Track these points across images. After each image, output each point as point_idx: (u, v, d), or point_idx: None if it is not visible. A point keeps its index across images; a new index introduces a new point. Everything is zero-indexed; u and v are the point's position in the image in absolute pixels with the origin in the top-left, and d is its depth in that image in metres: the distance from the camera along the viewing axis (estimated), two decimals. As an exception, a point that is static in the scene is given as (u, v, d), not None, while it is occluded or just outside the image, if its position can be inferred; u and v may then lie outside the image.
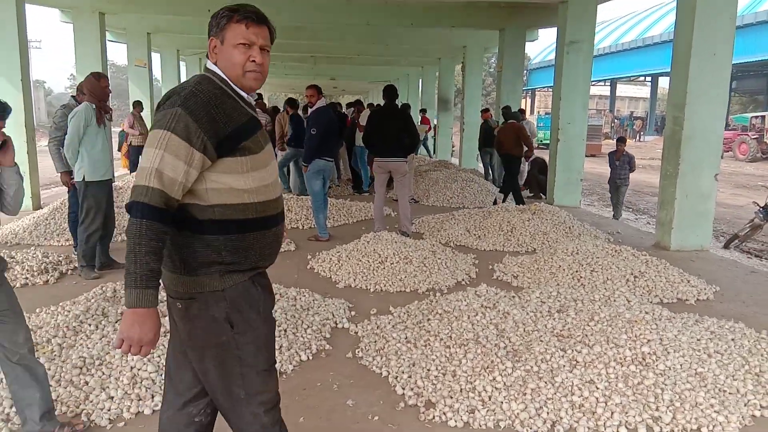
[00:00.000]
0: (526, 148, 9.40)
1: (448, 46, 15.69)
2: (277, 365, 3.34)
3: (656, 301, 4.74)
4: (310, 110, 6.94)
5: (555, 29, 11.78)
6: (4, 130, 2.46)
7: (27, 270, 5.12)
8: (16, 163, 2.54)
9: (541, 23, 11.59)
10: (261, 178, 1.78)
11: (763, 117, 24.59)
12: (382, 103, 7.17)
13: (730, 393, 3.09)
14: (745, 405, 3.02)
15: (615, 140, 10.44)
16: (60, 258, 5.55)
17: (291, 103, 10.17)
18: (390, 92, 7.03)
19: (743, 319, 4.25)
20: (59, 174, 5.59)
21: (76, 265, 5.40)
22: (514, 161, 9.44)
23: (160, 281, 1.68)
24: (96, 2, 10.70)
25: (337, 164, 11.23)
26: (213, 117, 1.68)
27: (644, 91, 54.30)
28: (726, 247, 8.55)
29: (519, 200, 9.26)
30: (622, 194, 10.04)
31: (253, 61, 1.76)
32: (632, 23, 34.92)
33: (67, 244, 6.46)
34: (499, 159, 12.34)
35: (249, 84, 1.80)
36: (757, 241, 9.18)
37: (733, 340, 3.68)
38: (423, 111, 17.97)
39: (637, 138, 35.80)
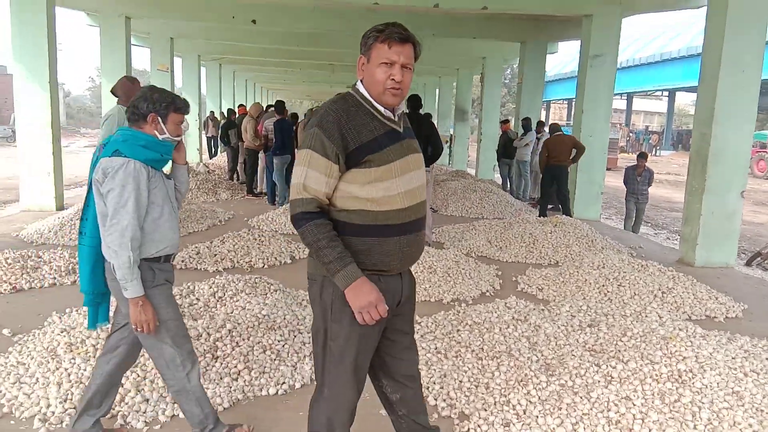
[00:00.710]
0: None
1: (467, 56, 15.74)
2: (309, 371, 3.37)
3: (684, 317, 4.69)
4: None
5: (573, 42, 11.84)
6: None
7: (55, 270, 5.16)
8: (186, 162, 2.70)
9: (563, 36, 11.59)
10: (386, 188, 1.91)
11: (782, 134, 24.38)
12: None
13: (767, 413, 3.05)
14: (784, 426, 2.98)
15: (636, 156, 10.34)
16: (87, 259, 5.58)
17: (277, 107, 9.92)
18: (414, 101, 7.05)
19: (772, 338, 4.19)
20: None
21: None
22: (565, 172, 9.38)
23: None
24: (122, 6, 10.85)
25: None
26: (343, 134, 1.88)
27: (660, 106, 54.10)
28: (748, 264, 8.46)
29: (543, 213, 9.24)
30: (642, 210, 9.96)
31: (393, 79, 1.90)
32: (651, 38, 34.81)
33: (92, 245, 6.50)
34: (518, 170, 12.34)
35: (388, 100, 1.95)
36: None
37: (767, 359, 3.63)
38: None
39: (653, 152, 35.63)
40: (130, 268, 2.28)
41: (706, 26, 6.68)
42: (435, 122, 12.47)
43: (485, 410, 3.01)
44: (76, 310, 4.15)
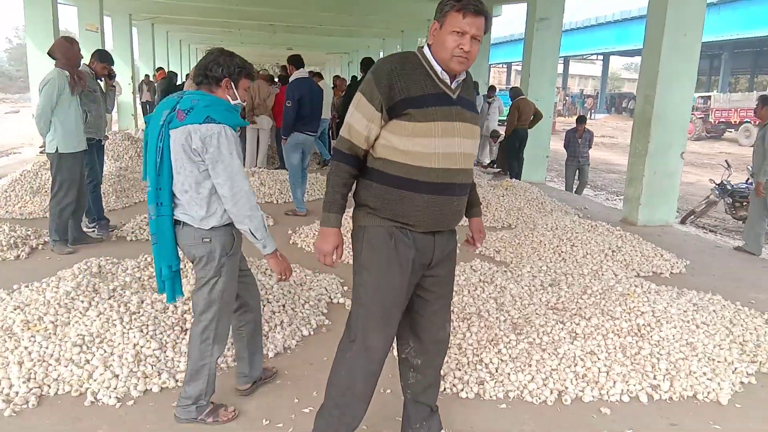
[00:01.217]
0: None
1: (412, 18, 15.57)
2: (281, 340, 3.35)
3: (633, 274, 4.92)
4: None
5: (515, 5, 11.90)
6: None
7: (-5, 244, 4.86)
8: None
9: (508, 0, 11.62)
10: (423, 145, 1.99)
11: (708, 97, 25.57)
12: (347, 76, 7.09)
13: (719, 361, 3.27)
14: (733, 372, 3.20)
15: (575, 119, 10.60)
16: (28, 232, 5.29)
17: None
18: (367, 65, 6.95)
19: (715, 291, 4.46)
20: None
21: (47, 239, 5.17)
22: (527, 136, 9.56)
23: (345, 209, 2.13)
24: (47, -40, 10.06)
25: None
26: (391, 84, 1.98)
27: (593, 69, 55.57)
28: (683, 222, 8.94)
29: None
30: (585, 172, 10.26)
31: (462, 48, 1.97)
32: (586, 2, 35.48)
33: (30, 217, 6.17)
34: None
35: (455, 67, 2.01)
36: (710, 217, 9.64)
37: (714, 311, 3.87)
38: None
39: (589, 115, 36.73)
40: (264, 226, 2.45)
41: (650, -9, 6.84)
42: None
43: (459, 370, 3.09)
44: (25, 286, 3.93)
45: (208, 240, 2.42)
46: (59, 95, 4.70)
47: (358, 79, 6.94)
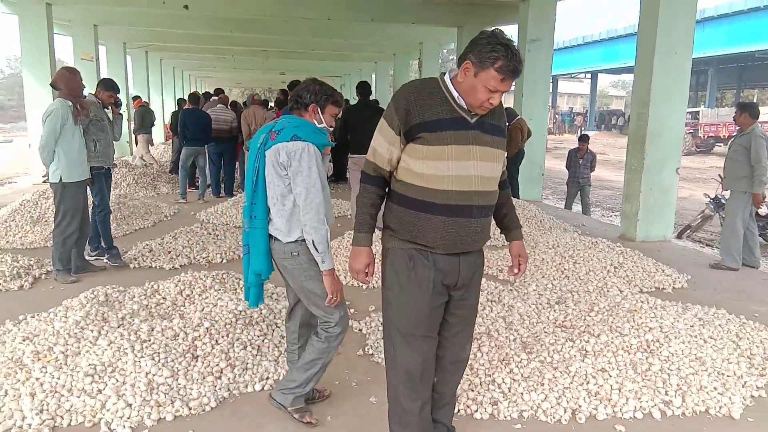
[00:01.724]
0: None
1: (404, 41, 15.77)
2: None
3: (637, 290, 4.95)
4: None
5: (507, 26, 12.11)
6: None
7: (-1, 275, 4.85)
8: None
9: (500, 21, 11.80)
10: (436, 167, 2.05)
11: (696, 113, 25.91)
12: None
13: (728, 376, 3.29)
14: (743, 386, 3.22)
15: (578, 138, 10.65)
16: (31, 262, 5.28)
17: (192, 98, 9.86)
18: (363, 89, 7.04)
19: (718, 305, 4.50)
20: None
21: (50, 269, 5.16)
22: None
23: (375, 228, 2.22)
24: (43, -8, 10.18)
25: None
26: (409, 109, 2.08)
27: (582, 87, 56.25)
28: (679, 237, 9.01)
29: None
30: (587, 194, 10.22)
31: (491, 102, 2.06)
32: (573, 22, 36.06)
33: (32, 247, 6.15)
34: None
35: (479, 112, 2.10)
36: (706, 231, 9.71)
37: (720, 325, 3.90)
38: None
39: (578, 133, 37.07)
40: (327, 242, 2.54)
41: (640, 10, 6.98)
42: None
43: (472, 390, 3.09)
44: (32, 316, 3.92)
45: (296, 253, 2.59)
46: (63, 125, 4.73)
47: (355, 103, 7.00)
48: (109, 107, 5.49)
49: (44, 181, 4.98)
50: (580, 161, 9.98)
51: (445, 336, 2.30)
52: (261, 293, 2.75)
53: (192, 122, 9.12)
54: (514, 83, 2.12)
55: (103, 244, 5.56)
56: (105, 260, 5.49)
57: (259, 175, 2.59)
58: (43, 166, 4.94)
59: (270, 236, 2.63)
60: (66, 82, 4.85)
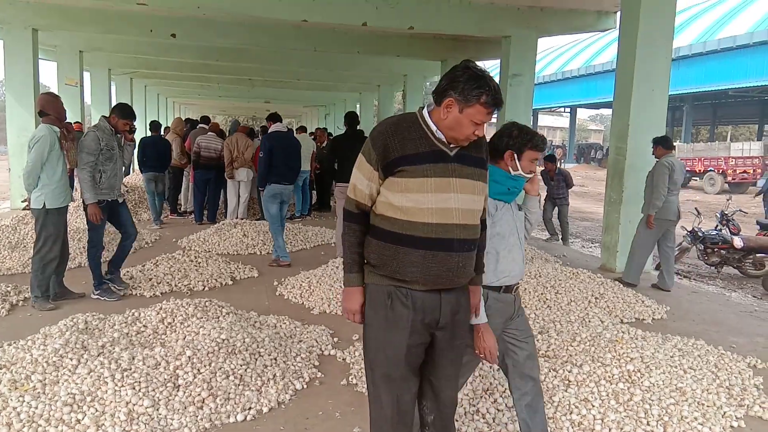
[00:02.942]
0: None
1: (388, 73, 16.00)
2: (274, 395, 3.31)
3: (617, 321, 5.01)
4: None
5: (494, 61, 12.37)
6: None
7: (-26, 302, 4.75)
8: (539, 193, 2.74)
9: (482, 56, 12.07)
10: (416, 200, 2.04)
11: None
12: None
13: (708, 406, 3.32)
14: (723, 416, 3.26)
15: (543, 158, 10.59)
16: (8, 288, 5.18)
17: (152, 126, 10.28)
18: (351, 119, 7.12)
19: (697, 336, 4.57)
20: (88, 205, 4.94)
21: (28, 295, 5.07)
22: None
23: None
24: (30, 18, 10.19)
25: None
26: (386, 144, 2.07)
27: (561, 121, 57.38)
28: (657, 269, 9.13)
29: None
30: (564, 215, 10.12)
31: (476, 134, 2.07)
32: (551, 58, 36.96)
33: (9, 273, 6.05)
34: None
35: (462, 144, 2.10)
36: (683, 263, 9.87)
37: (699, 356, 3.96)
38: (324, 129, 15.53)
39: (559, 165, 37.60)
40: None
41: (618, 48, 7.21)
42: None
43: (457, 421, 3.07)
44: (8, 344, 3.84)
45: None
46: (50, 152, 4.71)
47: (343, 133, 7.08)
48: (122, 134, 5.23)
49: (25, 207, 4.89)
50: (552, 182, 9.94)
51: (438, 377, 2.24)
52: None
53: (150, 149, 9.42)
54: (495, 114, 2.12)
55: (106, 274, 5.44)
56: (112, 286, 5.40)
57: None
58: (25, 191, 4.88)
59: None
60: (54, 107, 4.85)
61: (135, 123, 5.38)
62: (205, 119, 10.67)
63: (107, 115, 5.19)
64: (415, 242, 2.03)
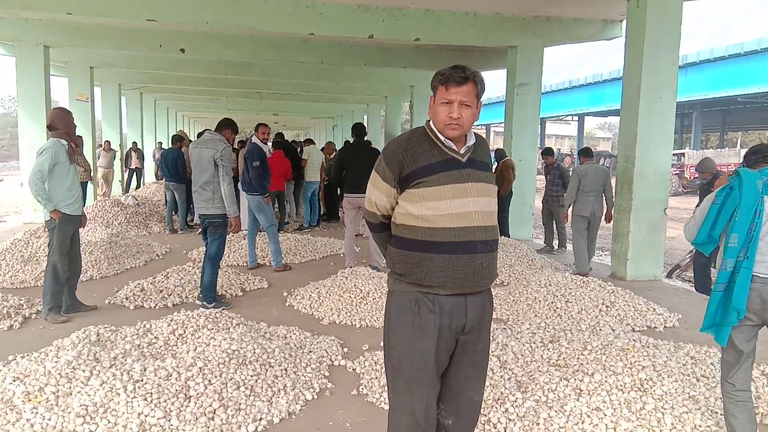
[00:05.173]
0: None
1: (395, 85, 16.08)
2: (285, 405, 3.32)
3: (629, 329, 4.97)
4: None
5: (500, 71, 12.40)
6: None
7: (-13, 315, 4.80)
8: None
9: (487, 66, 12.12)
10: (435, 207, 2.10)
11: (682, 154, 26.40)
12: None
13: (721, 414, 3.29)
14: (737, 425, 3.22)
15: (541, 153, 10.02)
16: (21, 301, 5.23)
17: (174, 138, 10.86)
18: (359, 130, 7.16)
19: (710, 344, 4.52)
20: (233, 218, 5.30)
21: (41, 308, 5.12)
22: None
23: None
24: (42, 35, 10.36)
25: (290, 199, 11.25)
26: (400, 160, 2.16)
27: (569, 129, 57.27)
28: (669, 276, 9.07)
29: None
30: (559, 218, 9.00)
31: (451, 116, 2.12)
32: (560, 67, 36.98)
33: (22, 286, 6.11)
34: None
35: (449, 134, 2.16)
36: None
37: (712, 364, 3.92)
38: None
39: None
40: None
41: (625, 57, 7.22)
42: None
43: (468, 431, 3.07)
44: (21, 356, 3.87)
45: None
46: (55, 164, 4.79)
47: (351, 144, 7.13)
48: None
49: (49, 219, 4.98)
50: (547, 177, 9.41)
51: (459, 380, 2.25)
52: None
53: (170, 160, 10.01)
54: (476, 92, 2.14)
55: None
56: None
57: (760, 218, 2.67)
58: (36, 197, 4.89)
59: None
60: (63, 122, 4.93)
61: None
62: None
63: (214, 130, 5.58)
64: (439, 248, 2.09)
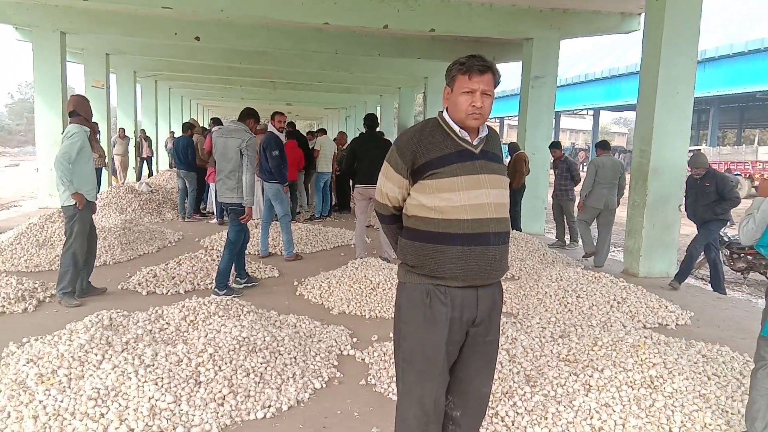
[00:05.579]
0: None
1: (410, 75, 16.01)
2: (294, 393, 3.34)
3: (639, 326, 4.94)
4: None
5: (514, 63, 12.30)
6: None
7: (3, 298, 4.87)
8: None
9: (505, 58, 12.01)
10: (448, 199, 2.09)
11: (698, 151, 26.07)
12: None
13: (732, 414, 3.27)
14: (748, 424, 3.20)
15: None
16: (36, 285, 5.30)
17: (184, 126, 10.80)
18: (371, 121, 7.14)
19: (722, 342, 4.49)
20: (246, 208, 5.37)
21: (55, 292, 5.18)
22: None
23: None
24: (58, 21, 10.42)
25: (303, 190, 11.27)
26: (414, 151, 2.14)
27: (584, 124, 56.83)
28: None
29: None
30: (569, 212, 9.10)
31: (474, 105, 2.11)
32: (576, 60, 36.62)
33: (37, 270, 6.18)
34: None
35: (471, 124, 2.15)
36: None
37: (724, 363, 3.89)
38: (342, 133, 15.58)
39: (582, 168, 37.29)
40: None
41: (642, 51, 7.13)
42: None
43: (475, 423, 3.07)
44: (35, 339, 3.93)
45: None
46: (81, 148, 4.84)
47: (363, 134, 7.11)
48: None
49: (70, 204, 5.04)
50: (555, 171, 9.21)
51: (468, 372, 2.25)
52: None
53: (180, 148, 10.11)
54: (494, 82, 2.14)
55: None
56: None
57: None
58: (61, 179, 4.91)
59: None
60: (84, 109, 4.98)
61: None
62: (217, 121, 10.82)
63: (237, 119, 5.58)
64: (452, 239, 2.08)
